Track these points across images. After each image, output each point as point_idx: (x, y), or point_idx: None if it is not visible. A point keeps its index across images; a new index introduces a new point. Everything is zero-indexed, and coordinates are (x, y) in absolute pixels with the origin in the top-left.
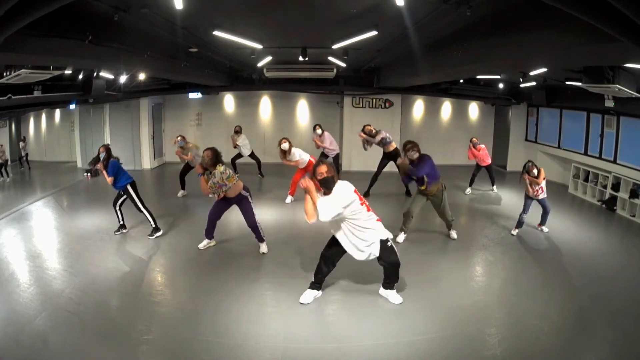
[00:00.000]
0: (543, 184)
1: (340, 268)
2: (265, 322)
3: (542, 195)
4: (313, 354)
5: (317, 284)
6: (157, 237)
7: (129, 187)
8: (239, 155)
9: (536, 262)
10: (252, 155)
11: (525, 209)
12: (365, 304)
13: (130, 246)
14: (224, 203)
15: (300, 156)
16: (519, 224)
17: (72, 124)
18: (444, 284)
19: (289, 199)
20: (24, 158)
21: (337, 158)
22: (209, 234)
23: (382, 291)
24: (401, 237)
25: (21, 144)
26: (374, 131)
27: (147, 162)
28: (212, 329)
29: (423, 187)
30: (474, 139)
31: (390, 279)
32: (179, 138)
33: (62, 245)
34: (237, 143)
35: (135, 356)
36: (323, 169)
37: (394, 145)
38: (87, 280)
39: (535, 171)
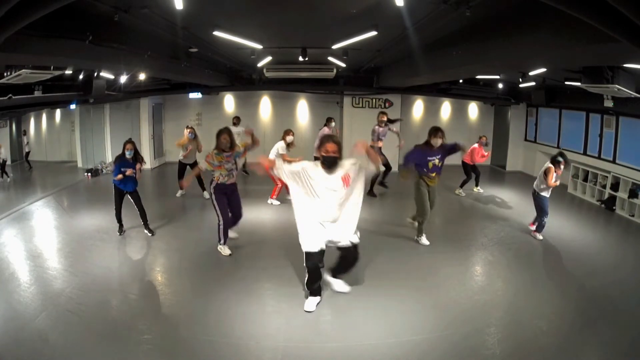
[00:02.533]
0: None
1: None
2: (266, 322)
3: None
4: (313, 353)
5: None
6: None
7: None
8: None
9: (535, 261)
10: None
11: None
12: (365, 303)
13: (130, 246)
14: (224, 196)
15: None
16: (541, 227)
17: (72, 124)
18: (443, 283)
19: (273, 200)
20: (25, 157)
21: None
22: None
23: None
24: (424, 239)
25: (25, 139)
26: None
27: (147, 162)
28: (212, 328)
29: (434, 174)
30: (484, 138)
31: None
32: (190, 129)
33: (63, 245)
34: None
35: (135, 355)
36: (332, 148)
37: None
38: (88, 279)
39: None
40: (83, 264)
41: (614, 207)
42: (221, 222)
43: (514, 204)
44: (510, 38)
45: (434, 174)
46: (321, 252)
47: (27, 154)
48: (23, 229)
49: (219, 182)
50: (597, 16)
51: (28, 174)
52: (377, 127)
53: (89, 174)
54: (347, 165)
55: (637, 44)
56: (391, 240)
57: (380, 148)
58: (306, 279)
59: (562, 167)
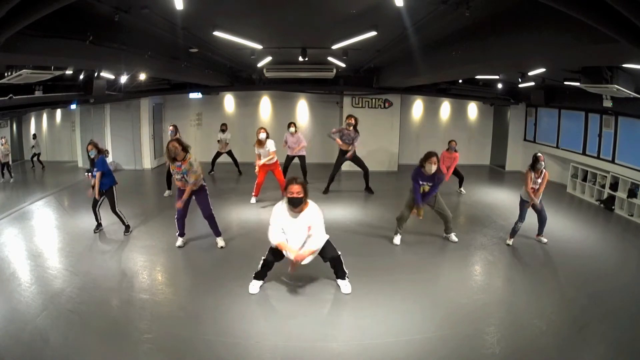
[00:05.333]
0: (538, 185)
1: None
2: (265, 322)
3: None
4: (313, 352)
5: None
6: (129, 234)
7: (114, 188)
8: (219, 154)
9: (534, 261)
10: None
11: (521, 217)
12: (365, 302)
13: (130, 246)
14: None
15: (272, 148)
16: (513, 232)
17: (73, 124)
18: (443, 283)
19: (253, 199)
20: (36, 157)
21: (303, 159)
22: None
23: (340, 282)
24: (397, 239)
25: (33, 142)
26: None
27: (147, 162)
28: (212, 327)
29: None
30: (453, 142)
31: (339, 270)
32: (171, 127)
33: (63, 244)
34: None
35: (136, 355)
36: (295, 189)
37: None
38: (88, 279)
39: (542, 163)
40: (83, 264)
41: (613, 207)
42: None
43: (513, 204)
44: (509, 38)
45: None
46: (281, 255)
47: (38, 155)
48: (24, 228)
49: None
50: (596, 16)
51: (29, 174)
52: (345, 130)
53: (89, 173)
54: (311, 216)
55: (636, 44)
56: (390, 240)
57: (355, 151)
58: (260, 265)
59: (539, 164)
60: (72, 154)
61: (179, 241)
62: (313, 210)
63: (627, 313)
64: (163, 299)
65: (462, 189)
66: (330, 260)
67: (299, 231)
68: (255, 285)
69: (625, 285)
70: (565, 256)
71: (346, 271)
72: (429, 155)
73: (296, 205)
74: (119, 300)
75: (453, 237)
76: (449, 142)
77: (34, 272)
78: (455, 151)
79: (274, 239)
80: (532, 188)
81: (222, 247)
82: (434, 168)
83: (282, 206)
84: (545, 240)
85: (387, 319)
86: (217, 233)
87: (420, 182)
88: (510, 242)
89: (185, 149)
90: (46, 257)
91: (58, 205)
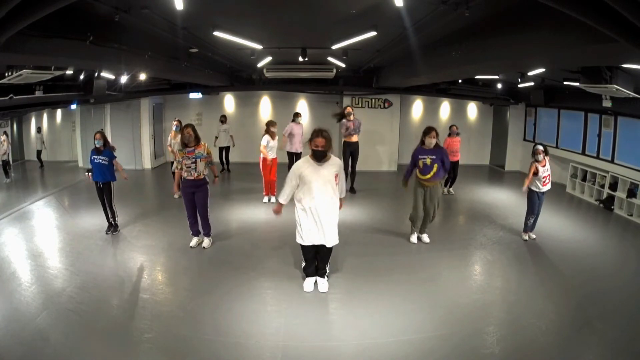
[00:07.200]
0: (547, 171)
1: (340, 267)
2: (266, 321)
3: (546, 187)
4: (313, 352)
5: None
6: (110, 234)
7: (112, 184)
8: (222, 150)
9: (534, 261)
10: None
11: (532, 210)
12: (365, 302)
13: (130, 245)
14: (190, 193)
15: (264, 142)
16: (527, 226)
17: (73, 124)
18: (442, 283)
19: (266, 198)
20: (38, 155)
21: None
22: (194, 231)
23: (319, 279)
24: (414, 238)
25: (38, 135)
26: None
27: (147, 161)
28: (213, 327)
29: (428, 177)
30: (454, 127)
31: (325, 265)
32: (175, 122)
33: (63, 244)
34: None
35: (136, 355)
36: (320, 142)
37: (356, 138)
38: (88, 279)
39: (541, 156)
40: (84, 263)
41: (612, 207)
42: (186, 215)
43: (513, 203)
44: (509, 38)
45: (426, 176)
46: (313, 246)
47: (40, 152)
48: (24, 228)
49: (182, 176)
50: (596, 16)
51: (29, 173)
52: (346, 121)
53: (90, 173)
54: (337, 166)
55: (636, 44)
56: (390, 240)
57: (357, 142)
58: (303, 265)
59: (541, 156)
60: (72, 154)
61: (193, 241)
62: (337, 161)
63: (627, 313)
64: (163, 298)
65: (451, 189)
66: (321, 256)
67: (325, 180)
68: (308, 283)
69: (624, 285)
70: (565, 256)
71: (327, 272)
72: (428, 130)
73: (319, 158)
74: (119, 300)
75: (425, 237)
76: (450, 127)
77: (34, 271)
78: (457, 134)
79: (282, 198)
80: (544, 176)
81: (204, 247)
82: (433, 142)
83: (305, 159)
84: (534, 236)
85: (387, 318)
86: (207, 233)
87: (420, 157)
88: (526, 236)
89: (198, 137)
90: (46, 256)
91: (58, 205)
